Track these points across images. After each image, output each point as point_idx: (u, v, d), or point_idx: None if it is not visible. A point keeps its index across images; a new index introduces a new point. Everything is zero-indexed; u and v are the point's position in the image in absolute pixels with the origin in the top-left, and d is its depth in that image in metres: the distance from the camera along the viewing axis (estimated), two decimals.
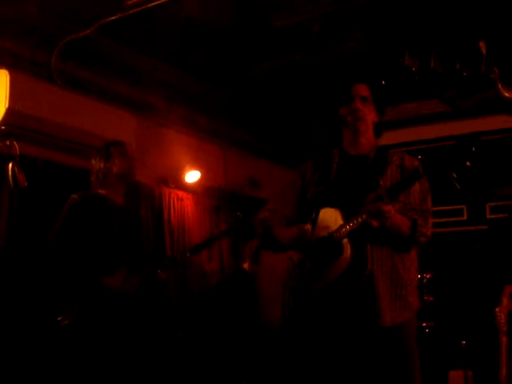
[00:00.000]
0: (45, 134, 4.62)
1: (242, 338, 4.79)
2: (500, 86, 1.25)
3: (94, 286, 3.49)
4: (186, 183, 5.82)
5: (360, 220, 2.55)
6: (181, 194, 5.79)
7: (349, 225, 2.57)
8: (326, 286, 2.58)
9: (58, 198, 3.81)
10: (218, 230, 5.53)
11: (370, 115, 2.83)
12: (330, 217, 2.65)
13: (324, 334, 2.64)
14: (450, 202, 6.10)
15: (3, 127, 2.64)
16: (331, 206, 2.67)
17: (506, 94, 1.25)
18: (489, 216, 6.23)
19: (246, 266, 5.20)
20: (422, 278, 5.03)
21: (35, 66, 4.54)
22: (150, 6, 4.20)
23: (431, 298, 5.14)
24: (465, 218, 6.30)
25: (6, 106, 2.66)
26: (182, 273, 5.35)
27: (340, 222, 2.62)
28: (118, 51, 4.92)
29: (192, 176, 5.84)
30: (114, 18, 4.39)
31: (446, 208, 6.17)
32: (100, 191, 3.74)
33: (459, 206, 6.31)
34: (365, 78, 2.93)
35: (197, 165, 5.82)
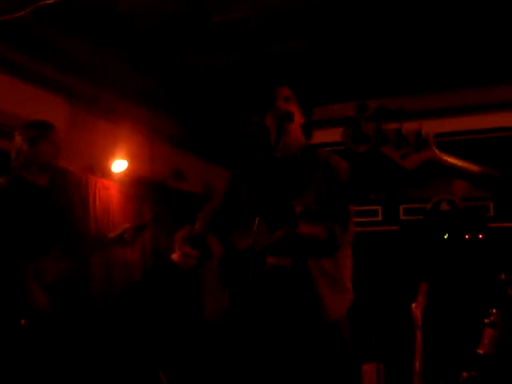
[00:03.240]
0: None
1: (175, 329, 4.80)
2: (435, 148, 1.35)
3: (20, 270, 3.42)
4: (113, 172, 5.77)
5: (279, 237, 2.56)
6: (107, 182, 5.73)
7: (272, 238, 2.58)
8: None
9: None
10: (143, 219, 5.49)
11: (294, 115, 2.77)
12: (257, 225, 2.61)
13: (263, 333, 2.69)
14: (366, 202, 6.34)
15: None
16: (258, 213, 2.63)
17: (445, 158, 1.34)
18: (402, 217, 6.55)
19: (175, 257, 5.18)
20: None
21: None
22: None
23: None
24: (380, 218, 6.58)
25: None
26: (106, 263, 5.29)
27: (264, 231, 2.60)
28: (52, 36, 4.81)
29: (118, 165, 5.80)
30: (50, 1, 4.31)
31: (362, 208, 6.42)
32: (24, 174, 3.64)
33: (374, 207, 6.58)
34: (286, 81, 2.91)
35: (124, 154, 5.77)
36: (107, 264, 5.36)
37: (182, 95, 6.12)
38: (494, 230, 5.76)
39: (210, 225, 2.95)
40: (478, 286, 4.83)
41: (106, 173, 5.70)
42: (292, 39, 5.13)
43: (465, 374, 3.55)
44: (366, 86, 5.88)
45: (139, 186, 6.10)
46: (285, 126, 2.72)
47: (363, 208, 6.46)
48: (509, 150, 5.88)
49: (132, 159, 5.86)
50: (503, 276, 3.33)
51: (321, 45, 5.22)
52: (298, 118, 2.80)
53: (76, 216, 3.91)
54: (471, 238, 5.45)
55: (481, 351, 3.26)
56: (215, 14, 4.74)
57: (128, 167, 5.83)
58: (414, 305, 4.62)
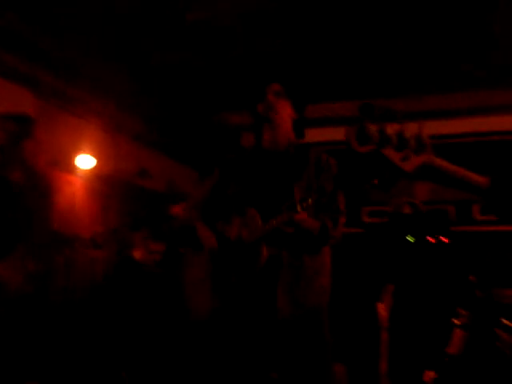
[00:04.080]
0: None
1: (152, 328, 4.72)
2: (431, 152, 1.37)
3: None
4: (78, 168, 5.67)
5: (274, 225, 2.62)
6: (71, 178, 5.63)
7: (264, 228, 2.65)
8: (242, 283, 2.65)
9: None
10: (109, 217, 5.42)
11: (284, 109, 2.84)
12: (250, 218, 2.71)
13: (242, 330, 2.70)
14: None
15: None
16: (251, 205, 2.73)
17: (442, 163, 1.36)
18: (365, 220, 6.62)
19: (136, 254, 5.12)
20: None
21: None
22: None
23: None
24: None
25: None
26: (68, 264, 5.19)
27: (258, 223, 2.68)
28: (18, 27, 4.72)
29: (84, 161, 5.70)
30: None
31: None
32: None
33: None
34: (277, 79, 2.95)
35: (89, 151, 5.68)
36: (69, 265, 5.25)
37: (149, 93, 6.06)
38: (457, 233, 5.87)
39: (201, 215, 2.94)
40: (444, 288, 4.91)
41: (70, 168, 5.60)
42: (265, 39, 5.14)
43: (431, 374, 3.60)
44: (355, 85, 5.90)
45: (104, 182, 6.01)
46: (275, 118, 2.80)
47: None
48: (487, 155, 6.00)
49: (97, 156, 5.77)
50: (472, 278, 3.39)
51: (293, 45, 5.23)
52: (289, 114, 2.84)
53: (43, 214, 3.83)
54: (435, 241, 5.54)
55: (450, 351, 3.31)
56: (189, 12, 4.72)
57: (93, 163, 5.74)
58: (379, 306, 4.67)
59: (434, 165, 1.46)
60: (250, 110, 2.93)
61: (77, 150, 5.61)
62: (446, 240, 5.56)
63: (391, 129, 1.37)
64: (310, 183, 2.72)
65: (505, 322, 3.11)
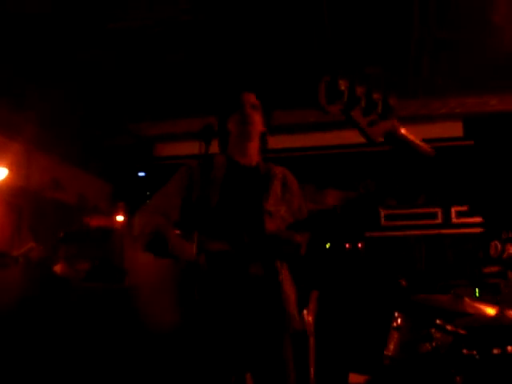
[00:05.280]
0: None
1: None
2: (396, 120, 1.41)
3: None
4: None
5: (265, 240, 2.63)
6: None
7: (252, 243, 2.61)
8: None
9: None
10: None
11: (259, 123, 2.83)
12: (230, 228, 2.65)
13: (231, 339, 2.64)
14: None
15: None
16: (222, 216, 2.68)
17: (402, 131, 1.41)
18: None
19: (57, 268, 4.95)
20: None
21: None
22: None
23: None
24: None
25: None
26: None
27: (239, 233, 2.63)
28: None
29: None
30: None
31: None
32: None
33: None
34: (254, 88, 2.94)
35: (0, 162, 5.46)
36: None
37: (62, 104, 5.89)
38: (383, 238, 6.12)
39: (171, 223, 2.81)
40: (367, 292, 5.10)
41: None
42: (181, 51, 5.16)
43: (361, 378, 3.74)
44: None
45: (16, 194, 5.77)
46: (251, 132, 2.79)
47: None
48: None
49: (9, 167, 5.55)
50: (404, 282, 3.55)
51: (204, 58, 5.29)
52: (261, 126, 2.84)
53: None
54: (351, 247, 5.74)
55: (387, 353, 3.44)
56: (111, 21, 4.66)
57: (4, 175, 5.51)
58: (305, 311, 4.77)
59: (396, 133, 1.49)
60: (218, 119, 2.89)
61: None
62: (359, 246, 5.78)
63: (360, 90, 1.39)
64: (278, 197, 2.77)
65: (438, 322, 3.29)
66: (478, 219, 6.32)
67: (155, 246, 2.73)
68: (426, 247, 6.53)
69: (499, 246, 6.01)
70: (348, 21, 4.76)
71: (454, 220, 6.68)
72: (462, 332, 3.16)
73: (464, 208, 6.51)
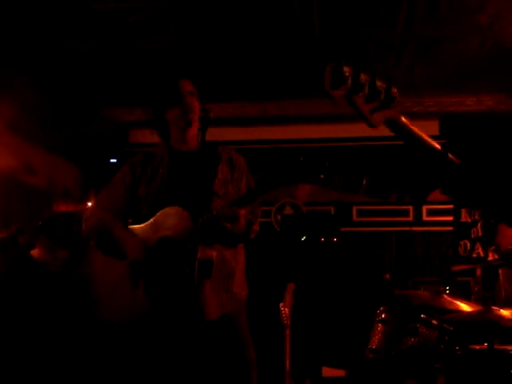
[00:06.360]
0: None
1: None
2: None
3: None
4: None
5: (211, 221, 2.60)
6: None
7: (199, 225, 2.59)
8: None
9: None
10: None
11: (197, 109, 2.85)
12: (174, 217, 2.67)
13: (159, 332, 2.67)
14: None
15: None
16: (170, 205, 2.69)
17: (403, 120, 1.43)
18: None
19: (35, 253, 4.84)
20: None
21: None
22: None
23: None
24: None
25: None
26: None
27: (187, 222, 2.63)
28: None
29: None
30: None
31: None
32: None
33: None
34: (187, 74, 2.98)
35: None
36: None
37: (34, 85, 5.73)
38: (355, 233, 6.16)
39: (117, 215, 2.85)
40: (345, 286, 5.13)
41: None
42: (168, 35, 5.09)
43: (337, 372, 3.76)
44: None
45: None
46: (192, 120, 2.83)
47: None
48: None
49: None
50: (388, 276, 3.57)
51: (194, 42, 5.22)
52: (198, 112, 2.85)
53: None
54: (326, 241, 5.76)
55: (371, 346, 3.46)
56: (96, 2, 4.55)
57: None
58: (281, 304, 4.76)
59: (398, 122, 1.49)
60: (154, 108, 2.93)
61: None
62: (335, 240, 5.81)
63: (364, 77, 1.39)
64: (226, 179, 2.80)
65: (423, 316, 3.32)
66: (448, 218, 6.44)
67: (102, 241, 2.74)
68: (396, 244, 6.61)
69: (468, 244, 6.14)
70: (334, 12, 4.76)
71: (425, 218, 6.77)
72: (447, 327, 3.20)
73: (435, 206, 6.61)
